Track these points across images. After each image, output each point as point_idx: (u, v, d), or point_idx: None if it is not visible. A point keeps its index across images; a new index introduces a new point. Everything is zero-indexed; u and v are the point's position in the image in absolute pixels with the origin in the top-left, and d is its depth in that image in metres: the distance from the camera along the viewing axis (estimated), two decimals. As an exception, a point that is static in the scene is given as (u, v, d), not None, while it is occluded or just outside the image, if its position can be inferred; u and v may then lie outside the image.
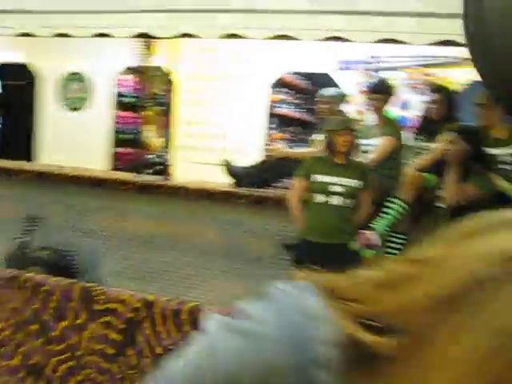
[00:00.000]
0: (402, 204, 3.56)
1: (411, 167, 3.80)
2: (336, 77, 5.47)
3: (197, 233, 4.19)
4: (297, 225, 3.53)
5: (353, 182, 3.42)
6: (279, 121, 6.47)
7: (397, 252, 3.69)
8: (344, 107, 4.35)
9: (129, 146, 6.25)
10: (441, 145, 3.69)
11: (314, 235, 3.41)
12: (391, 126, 4.00)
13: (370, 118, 4.17)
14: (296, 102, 6.82)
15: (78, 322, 2.09)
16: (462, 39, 3.51)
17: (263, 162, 4.54)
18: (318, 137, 4.13)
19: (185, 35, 4.21)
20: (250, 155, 4.97)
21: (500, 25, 1.58)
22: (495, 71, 1.70)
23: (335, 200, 3.39)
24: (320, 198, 3.41)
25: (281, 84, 6.22)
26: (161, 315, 2.02)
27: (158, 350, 2.00)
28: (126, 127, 6.50)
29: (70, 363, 2.10)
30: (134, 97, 6.36)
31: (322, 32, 3.74)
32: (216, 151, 5.25)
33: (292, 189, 3.58)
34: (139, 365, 2.03)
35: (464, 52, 5.21)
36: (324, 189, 3.41)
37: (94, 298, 2.09)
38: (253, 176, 4.29)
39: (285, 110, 6.57)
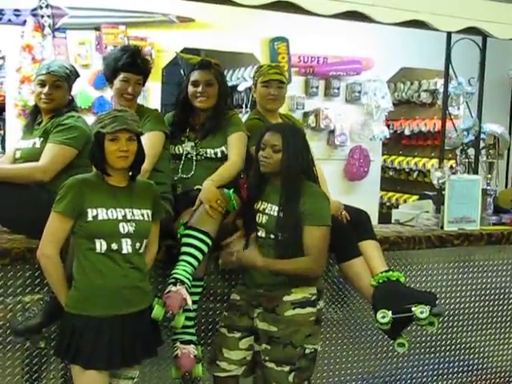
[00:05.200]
0: (204, 238, 2.50)
1: (209, 182, 2.63)
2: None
3: None
4: (59, 292, 2.29)
5: (145, 214, 2.32)
6: None
7: (195, 307, 2.61)
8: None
9: None
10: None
11: (96, 307, 2.22)
12: (153, 116, 2.76)
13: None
14: None
15: None
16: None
17: None
18: None
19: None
20: None
21: None
22: None
23: (125, 246, 2.25)
24: (102, 246, 2.23)
25: None
26: None
27: None
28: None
29: None
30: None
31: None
32: None
33: (47, 235, 2.24)
34: None
35: (183, 10, 3.86)
36: (108, 231, 2.23)
37: None
38: None
39: None
